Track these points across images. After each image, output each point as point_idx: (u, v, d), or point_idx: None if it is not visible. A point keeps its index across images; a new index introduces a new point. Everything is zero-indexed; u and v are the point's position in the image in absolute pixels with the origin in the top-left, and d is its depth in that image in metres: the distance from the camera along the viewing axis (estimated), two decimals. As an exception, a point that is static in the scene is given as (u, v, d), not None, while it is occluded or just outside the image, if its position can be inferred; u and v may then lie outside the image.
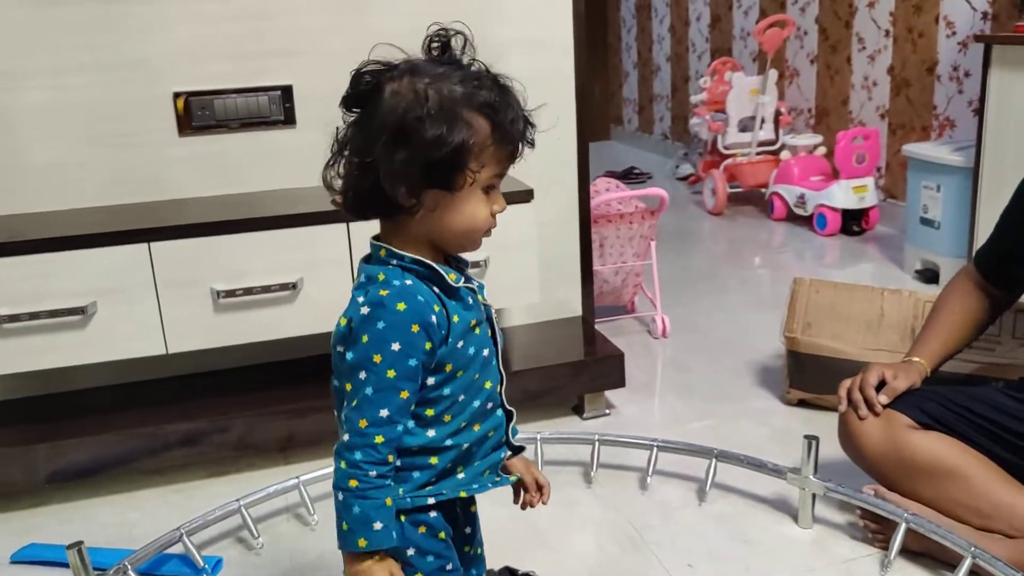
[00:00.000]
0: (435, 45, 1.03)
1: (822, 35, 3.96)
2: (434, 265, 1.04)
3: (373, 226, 1.12)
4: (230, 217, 1.91)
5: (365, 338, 1.00)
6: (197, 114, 2.06)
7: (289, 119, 2.13)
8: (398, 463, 1.06)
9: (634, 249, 2.70)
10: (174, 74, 2.06)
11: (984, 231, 2.62)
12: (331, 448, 2.17)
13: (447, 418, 1.06)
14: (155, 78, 2.05)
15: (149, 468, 1.97)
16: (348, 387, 1.03)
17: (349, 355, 1.02)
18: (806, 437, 1.65)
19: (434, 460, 1.07)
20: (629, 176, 4.98)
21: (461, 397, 1.07)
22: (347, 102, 1.03)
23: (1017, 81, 2.54)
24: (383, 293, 1.01)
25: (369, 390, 1.01)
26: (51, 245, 1.80)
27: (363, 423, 1.01)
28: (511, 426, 1.18)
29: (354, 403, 1.02)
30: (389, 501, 1.04)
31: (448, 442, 1.07)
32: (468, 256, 2.06)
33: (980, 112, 2.68)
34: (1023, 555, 1.47)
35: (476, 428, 1.09)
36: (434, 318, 1.02)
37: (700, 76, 4.66)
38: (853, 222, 3.62)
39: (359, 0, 2.12)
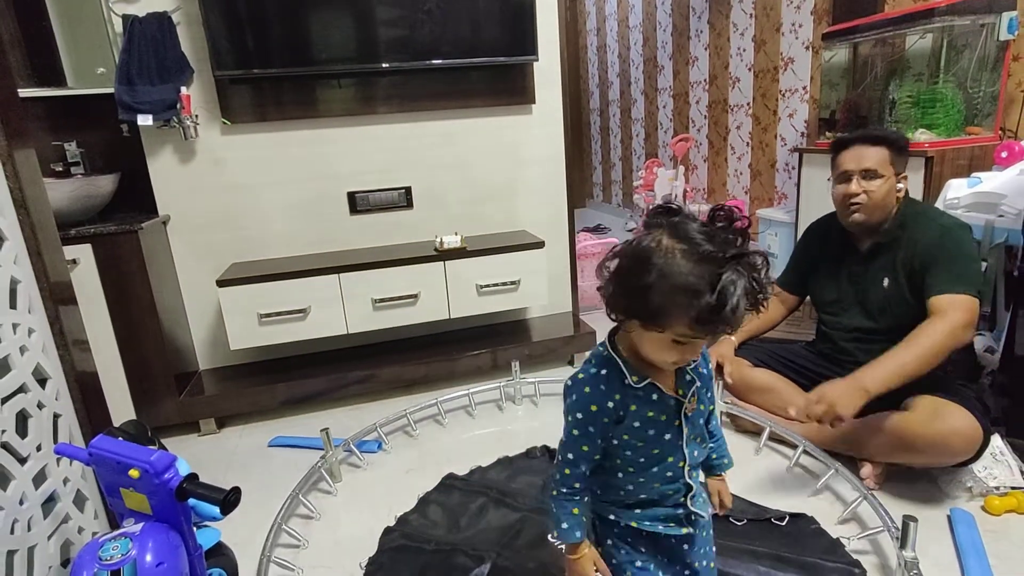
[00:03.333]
0: (719, 215, 0.78)
1: (710, 145, 4.00)
2: (622, 367, 0.86)
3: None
4: (379, 259, 2.05)
5: (567, 400, 0.89)
6: (359, 203, 2.24)
7: (409, 204, 2.28)
8: (597, 489, 0.94)
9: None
10: (348, 181, 2.21)
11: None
12: (437, 385, 2.31)
13: (630, 469, 0.90)
14: (338, 184, 2.20)
15: (336, 397, 2.11)
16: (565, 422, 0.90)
17: (564, 403, 0.90)
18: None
19: (621, 494, 0.92)
20: (597, 229, 4.82)
21: (641, 459, 0.89)
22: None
23: (815, 174, 2.66)
24: (580, 376, 0.88)
25: (566, 437, 0.90)
26: (287, 276, 1.97)
27: (559, 457, 0.90)
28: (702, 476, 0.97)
29: (561, 439, 0.91)
30: (576, 511, 0.90)
31: (630, 487, 0.91)
32: (505, 276, 2.09)
33: (797, 193, 2.78)
34: (807, 430, 1.62)
35: (656, 485, 0.91)
36: (610, 404, 0.85)
37: (639, 169, 4.66)
38: (731, 256, 3.74)
39: (449, 137, 2.24)
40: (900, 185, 1.52)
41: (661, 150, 4.74)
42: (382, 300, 2.07)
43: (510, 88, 2.29)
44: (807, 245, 1.78)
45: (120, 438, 1.06)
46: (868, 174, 1.50)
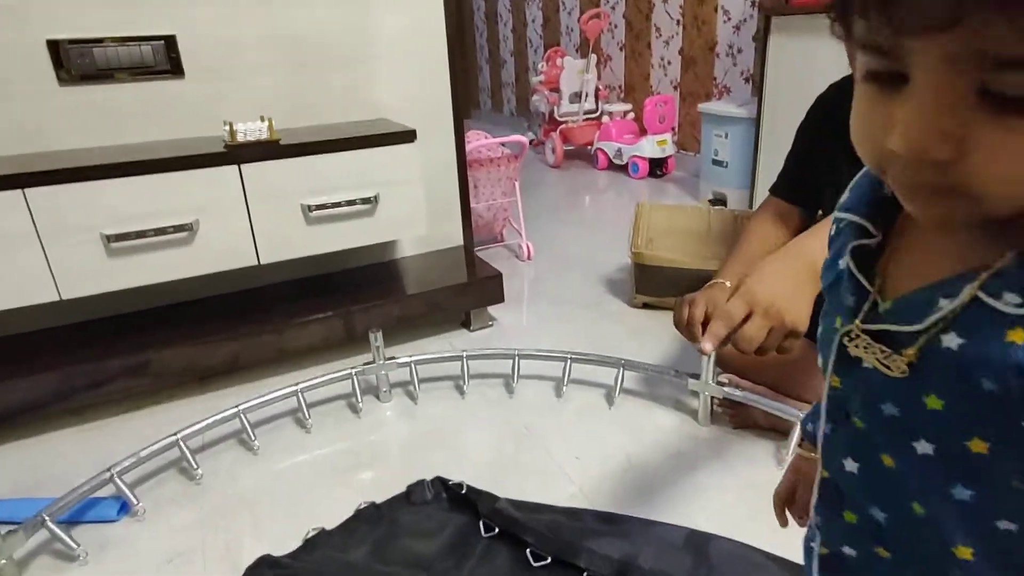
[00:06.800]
0: None
1: (628, 27, 3.41)
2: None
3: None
4: (114, 161, 1.21)
5: None
6: (76, 63, 1.32)
7: (175, 69, 1.40)
8: None
9: (502, 188, 2.18)
10: (47, 20, 1.29)
11: (765, 167, 2.23)
12: (247, 376, 1.57)
13: None
14: (25, 23, 1.28)
15: (53, 412, 1.31)
16: None
17: None
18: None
19: None
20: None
21: None
22: None
23: (790, 44, 2.12)
24: None
25: None
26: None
27: None
28: None
29: None
30: None
31: None
32: (353, 190, 1.50)
33: (760, 75, 2.22)
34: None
35: None
36: None
37: (537, 66, 3.99)
38: (657, 168, 3.17)
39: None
40: None
41: (565, 38, 4.05)
42: (122, 237, 1.24)
43: None
44: (815, 131, 1.25)
45: None
46: None
